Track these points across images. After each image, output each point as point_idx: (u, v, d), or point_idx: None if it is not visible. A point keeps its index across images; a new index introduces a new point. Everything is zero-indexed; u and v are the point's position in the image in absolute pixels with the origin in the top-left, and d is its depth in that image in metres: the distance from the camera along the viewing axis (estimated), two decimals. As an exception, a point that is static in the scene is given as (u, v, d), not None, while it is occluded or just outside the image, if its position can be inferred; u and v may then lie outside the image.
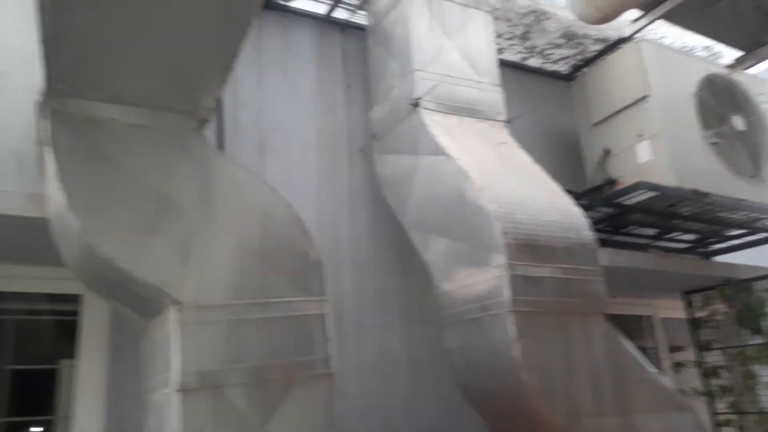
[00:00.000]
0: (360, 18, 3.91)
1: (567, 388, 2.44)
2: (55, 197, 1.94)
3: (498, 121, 3.41)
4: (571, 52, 4.69)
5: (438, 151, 2.94)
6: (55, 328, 3.23)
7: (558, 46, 4.59)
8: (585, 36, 4.56)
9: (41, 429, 3.05)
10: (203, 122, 2.10)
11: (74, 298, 2.97)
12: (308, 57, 3.83)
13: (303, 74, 3.76)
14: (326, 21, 3.90)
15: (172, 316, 1.85)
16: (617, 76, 3.99)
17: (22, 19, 3.17)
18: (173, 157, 2.00)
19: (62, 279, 2.88)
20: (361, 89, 3.84)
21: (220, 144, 3.19)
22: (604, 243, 3.50)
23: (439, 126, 3.07)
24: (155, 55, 1.84)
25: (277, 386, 1.95)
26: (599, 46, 4.62)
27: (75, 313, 3.03)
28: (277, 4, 3.73)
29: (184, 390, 1.79)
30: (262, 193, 2.17)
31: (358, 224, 3.62)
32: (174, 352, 1.83)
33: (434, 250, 2.98)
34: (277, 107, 3.61)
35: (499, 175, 2.92)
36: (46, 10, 1.59)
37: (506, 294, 2.42)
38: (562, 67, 4.81)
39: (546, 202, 2.84)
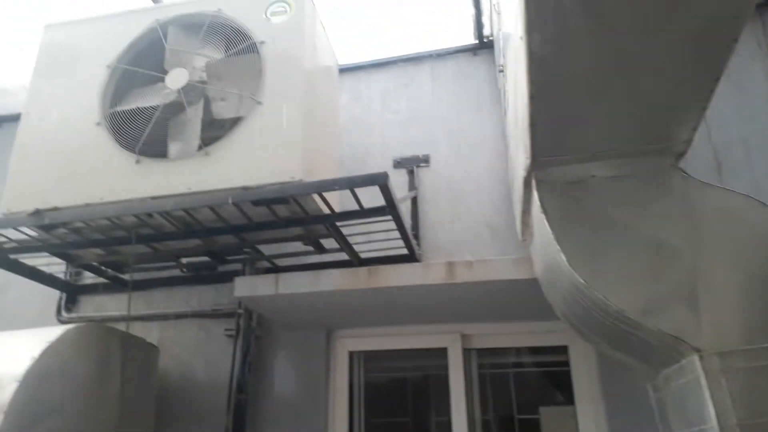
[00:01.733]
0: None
1: None
2: (549, 258, 2.13)
3: None
4: None
5: None
6: (538, 378, 3.50)
7: None
8: None
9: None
10: (680, 156, 2.01)
11: (561, 350, 3.18)
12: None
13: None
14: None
15: (694, 365, 1.77)
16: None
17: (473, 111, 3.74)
18: (657, 200, 1.98)
19: (549, 332, 3.16)
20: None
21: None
22: None
23: None
24: (626, 104, 1.88)
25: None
26: None
27: (559, 364, 3.23)
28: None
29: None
30: (762, 215, 1.92)
31: None
32: (706, 403, 1.72)
33: None
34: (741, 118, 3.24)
35: None
36: (536, 98, 1.82)
37: None
38: None
39: None
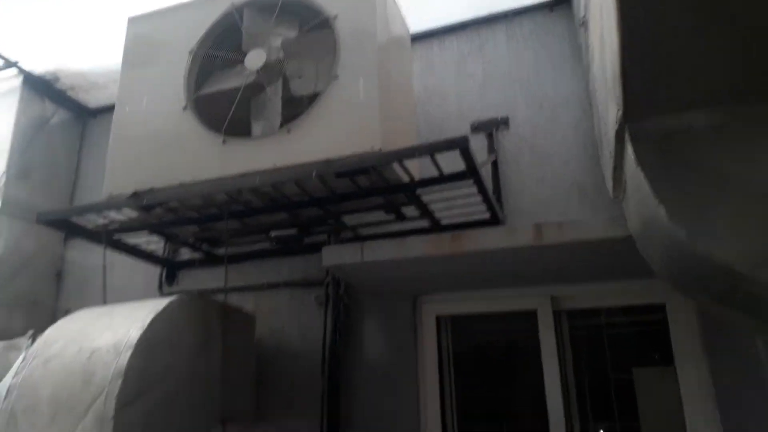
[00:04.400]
0: None
1: None
2: (647, 213, 2.04)
3: None
4: None
5: None
6: (632, 338, 3.39)
7: None
8: None
9: None
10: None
11: (658, 308, 3.06)
12: None
13: None
14: None
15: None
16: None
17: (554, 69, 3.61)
18: (765, 148, 1.84)
19: (644, 290, 3.05)
20: None
21: None
22: None
23: None
24: (726, 45, 1.74)
25: None
26: None
27: (656, 323, 3.12)
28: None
29: None
30: None
31: None
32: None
33: None
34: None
35: None
36: (627, 47, 1.73)
37: None
38: None
39: None
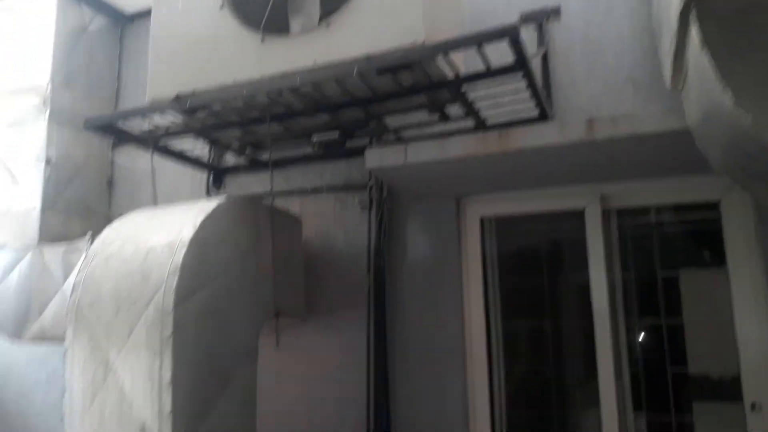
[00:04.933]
0: None
1: None
2: (709, 101, 1.92)
3: None
4: None
5: None
6: (682, 238, 3.31)
7: None
8: None
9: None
10: None
11: (712, 206, 2.96)
12: None
13: None
14: None
15: None
16: None
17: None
18: None
19: (698, 187, 2.94)
20: None
21: None
22: None
23: None
24: None
25: None
26: None
27: (709, 221, 3.03)
28: None
29: None
30: None
31: None
32: None
33: None
34: None
35: None
36: None
37: None
38: None
39: None
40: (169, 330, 2.47)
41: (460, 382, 3.25)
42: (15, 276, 3.90)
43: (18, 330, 3.86)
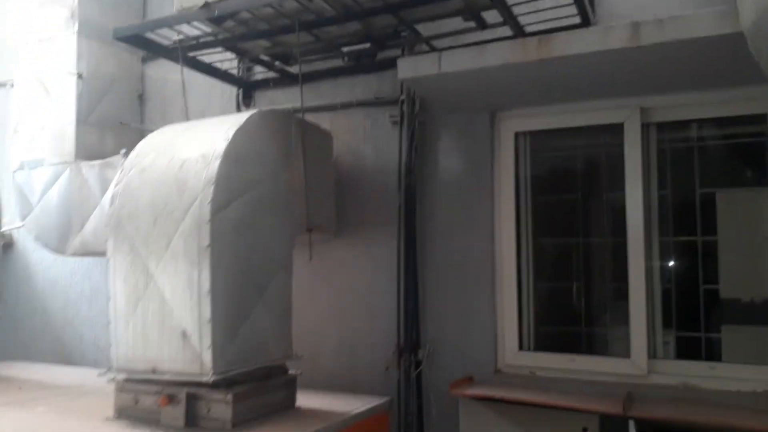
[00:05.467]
0: None
1: None
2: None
3: None
4: None
5: None
6: (725, 153, 3.18)
7: None
8: None
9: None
10: None
11: (758, 119, 2.83)
12: None
13: None
14: None
15: None
16: None
17: None
18: None
19: (744, 100, 2.80)
20: None
21: None
22: None
23: None
24: None
25: None
26: None
27: (754, 135, 2.91)
28: None
29: None
30: None
31: None
32: None
33: None
34: None
35: None
36: None
37: None
38: None
39: None
40: (206, 240, 2.52)
41: (489, 298, 3.29)
42: (55, 192, 3.99)
43: (61, 245, 3.99)
